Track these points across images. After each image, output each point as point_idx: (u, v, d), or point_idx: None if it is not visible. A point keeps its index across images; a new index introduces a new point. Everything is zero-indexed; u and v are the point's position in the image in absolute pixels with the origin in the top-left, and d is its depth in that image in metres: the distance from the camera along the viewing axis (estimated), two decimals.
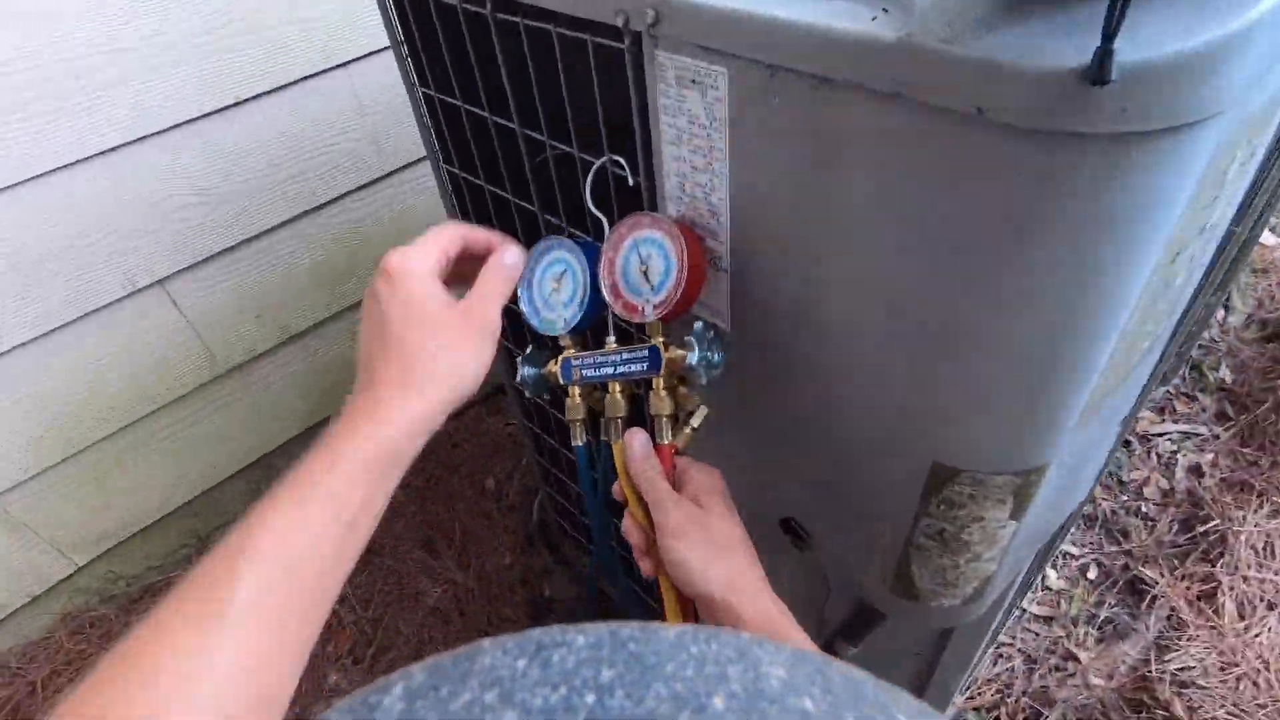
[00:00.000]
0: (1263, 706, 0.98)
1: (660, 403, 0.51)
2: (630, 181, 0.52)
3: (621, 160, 0.52)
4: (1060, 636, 1.13)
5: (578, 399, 0.54)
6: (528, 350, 0.56)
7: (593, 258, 0.51)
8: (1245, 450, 1.33)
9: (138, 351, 1.15)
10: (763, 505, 0.62)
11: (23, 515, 1.17)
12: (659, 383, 0.50)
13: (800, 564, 0.75)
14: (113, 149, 1.00)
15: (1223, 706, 0.98)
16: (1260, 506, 1.24)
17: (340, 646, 1.27)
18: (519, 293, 0.52)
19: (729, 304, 0.51)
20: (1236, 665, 1.02)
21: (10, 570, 1.20)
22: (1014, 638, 1.14)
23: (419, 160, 1.30)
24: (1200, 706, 0.98)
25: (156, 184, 1.05)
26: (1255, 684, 1.00)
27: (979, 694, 1.08)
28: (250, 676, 0.32)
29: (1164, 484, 1.32)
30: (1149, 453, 1.38)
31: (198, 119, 1.05)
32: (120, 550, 1.32)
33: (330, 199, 1.23)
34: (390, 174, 1.29)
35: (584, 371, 0.53)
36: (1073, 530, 1.27)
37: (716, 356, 0.50)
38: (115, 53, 0.95)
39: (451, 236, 0.47)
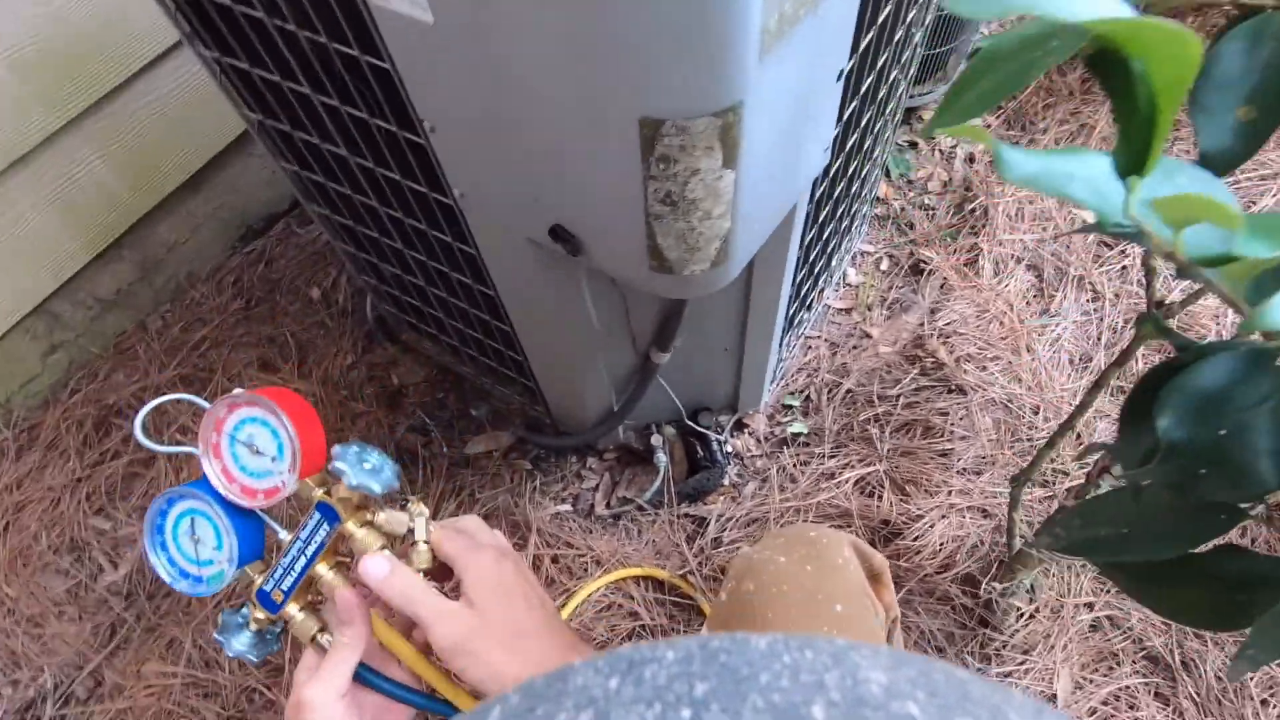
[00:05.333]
0: (1004, 339, 1.19)
1: (365, 539, 0.45)
2: None
3: None
4: (858, 322, 1.29)
5: (297, 613, 0.47)
6: (219, 627, 0.48)
7: (205, 488, 0.45)
8: (1010, 132, 1.47)
9: None
10: (530, 221, 0.63)
11: None
12: (350, 526, 0.45)
13: (591, 280, 0.80)
14: None
15: (975, 344, 1.18)
16: None
17: None
18: (162, 575, 0.47)
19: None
20: (988, 311, 1.22)
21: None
22: (820, 331, 1.29)
23: None
24: (958, 349, 1.18)
25: None
26: (1000, 323, 1.21)
27: (791, 380, 1.23)
28: None
29: (944, 176, 1.45)
30: (933, 150, 1.50)
31: None
32: None
33: None
34: None
35: (284, 585, 0.46)
36: (867, 230, 1.39)
37: (377, 460, 0.45)
38: None
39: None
